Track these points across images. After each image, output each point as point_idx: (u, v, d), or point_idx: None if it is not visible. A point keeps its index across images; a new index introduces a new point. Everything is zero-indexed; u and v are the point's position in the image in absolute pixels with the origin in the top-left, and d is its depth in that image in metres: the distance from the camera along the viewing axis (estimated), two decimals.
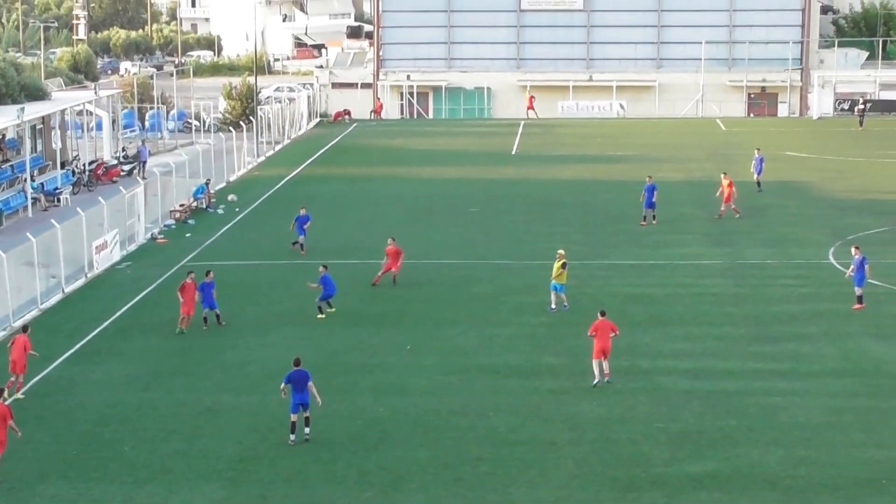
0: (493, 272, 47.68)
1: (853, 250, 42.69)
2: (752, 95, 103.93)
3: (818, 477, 27.80)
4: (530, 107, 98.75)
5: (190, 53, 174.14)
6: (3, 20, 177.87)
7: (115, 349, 38.43)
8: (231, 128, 79.91)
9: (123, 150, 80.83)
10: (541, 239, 52.58)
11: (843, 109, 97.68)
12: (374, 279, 45.27)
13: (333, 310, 41.58)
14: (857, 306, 41.42)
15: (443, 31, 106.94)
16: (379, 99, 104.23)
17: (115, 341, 39.30)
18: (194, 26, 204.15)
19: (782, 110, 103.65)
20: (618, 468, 28.45)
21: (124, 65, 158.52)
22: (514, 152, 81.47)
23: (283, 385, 30.47)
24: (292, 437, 30.21)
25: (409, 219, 58.13)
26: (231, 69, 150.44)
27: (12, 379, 33.97)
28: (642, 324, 39.99)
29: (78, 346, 38.59)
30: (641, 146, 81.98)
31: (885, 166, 72.30)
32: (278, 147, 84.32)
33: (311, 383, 30.27)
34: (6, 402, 29.08)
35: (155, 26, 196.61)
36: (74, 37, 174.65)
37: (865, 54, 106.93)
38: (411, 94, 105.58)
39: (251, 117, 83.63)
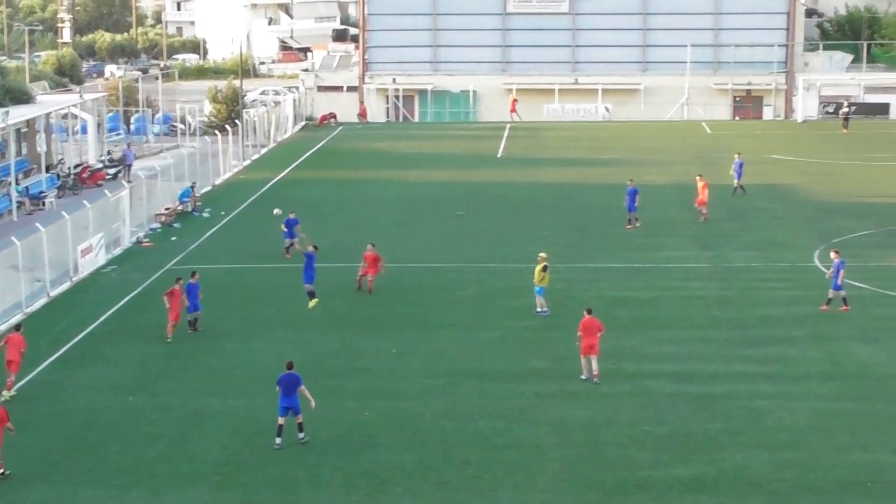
0: (479, 275, 47.67)
1: (832, 254, 42.82)
2: (738, 98, 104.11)
3: (804, 480, 27.84)
4: (513, 109, 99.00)
5: (175, 57, 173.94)
6: None
7: (101, 353, 38.33)
8: (216, 131, 79.80)
9: (109, 153, 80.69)
10: (527, 242, 52.57)
11: (827, 112, 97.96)
12: (357, 283, 45.24)
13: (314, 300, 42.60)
14: (843, 308, 41.52)
15: (428, 35, 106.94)
16: (362, 103, 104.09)
17: (100, 345, 39.20)
18: (179, 29, 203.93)
19: (767, 113, 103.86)
20: (604, 471, 28.45)
21: (109, 68, 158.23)
22: (499, 155, 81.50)
23: (277, 388, 30.51)
24: (278, 440, 30.15)
25: (395, 222, 58.11)
26: (216, 72, 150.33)
27: (11, 378, 34.20)
28: (628, 327, 40.01)
29: (63, 350, 38.48)
30: (627, 149, 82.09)
31: (869, 169, 72.48)
32: (264, 150, 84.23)
33: (303, 387, 30.25)
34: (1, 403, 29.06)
35: (140, 29, 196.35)
36: (59, 40, 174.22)
37: (850, 57, 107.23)
38: (397, 97, 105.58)
39: (237, 121, 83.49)
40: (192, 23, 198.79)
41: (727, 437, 30.53)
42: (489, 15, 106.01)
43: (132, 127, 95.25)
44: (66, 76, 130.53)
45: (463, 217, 59.39)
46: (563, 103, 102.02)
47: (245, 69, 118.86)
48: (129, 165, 74.90)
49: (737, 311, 42.06)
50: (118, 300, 44.53)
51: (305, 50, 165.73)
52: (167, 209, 59.59)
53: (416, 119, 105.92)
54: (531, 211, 60.80)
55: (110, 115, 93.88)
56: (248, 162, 79.07)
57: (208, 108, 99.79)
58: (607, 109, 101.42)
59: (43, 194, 66.00)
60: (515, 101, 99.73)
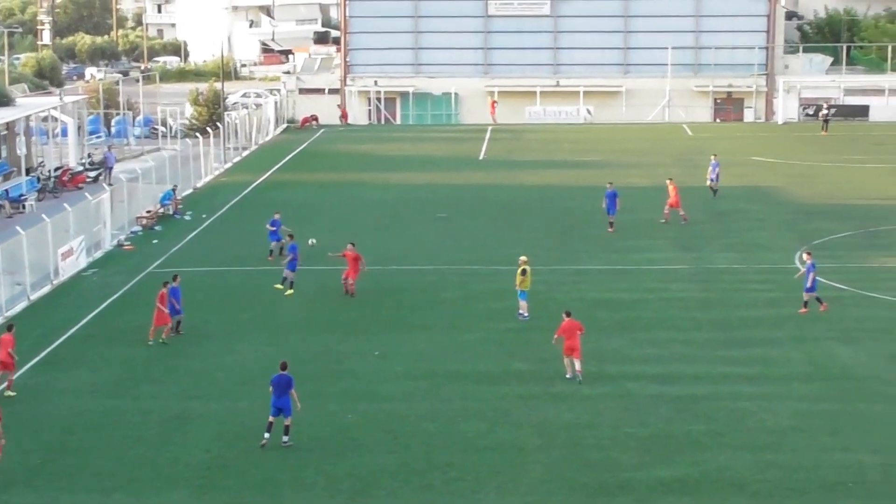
0: (461, 277, 47.68)
1: (805, 256, 42.89)
2: (719, 101, 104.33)
3: (786, 481, 27.91)
4: (493, 112, 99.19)
5: (156, 59, 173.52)
6: None
7: (82, 357, 38.21)
8: (198, 134, 79.63)
9: (89, 156, 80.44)
10: (509, 244, 52.57)
11: (808, 115, 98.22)
12: (343, 287, 45.18)
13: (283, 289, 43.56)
14: (822, 307, 41.65)
15: (410, 37, 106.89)
16: (340, 106, 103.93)
17: (81, 349, 39.08)
18: (160, 32, 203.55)
19: (748, 115, 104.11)
20: (587, 473, 28.47)
21: (90, 70, 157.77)
22: (481, 158, 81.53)
23: (270, 388, 30.54)
24: (266, 435, 30.20)
25: (377, 224, 58.08)
26: (198, 75, 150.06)
27: (11, 378, 34.35)
28: (610, 329, 40.07)
29: (43, 353, 38.33)
30: (609, 151, 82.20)
31: (849, 171, 72.72)
32: (245, 153, 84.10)
33: (292, 390, 30.28)
34: None
35: (121, 32, 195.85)
36: (39, 42, 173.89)
37: (830, 60, 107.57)
38: (379, 99, 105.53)
39: (218, 123, 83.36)
40: (173, 25, 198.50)
41: (709, 438, 30.58)
42: (471, 17, 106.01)
43: (113, 129, 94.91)
44: (45, 79, 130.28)
45: (445, 219, 59.38)
46: (545, 106, 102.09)
47: (226, 72, 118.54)
48: (110, 168, 74.70)
49: (718, 313, 42.15)
50: (99, 303, 44.40)
51: (287, 52, 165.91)
52: (148, 212, 59.43)
53: (398, 121, 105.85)
54: (513, 213, 60.83)
55: (91, 117, 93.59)
56: (229, 165, 78.93)
57: (189, 110, 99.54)
58: (589, 112, 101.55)
59: (23, 197, 65.75)
60: (495, 103, 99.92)
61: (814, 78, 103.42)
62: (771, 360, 36.87)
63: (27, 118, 74.75)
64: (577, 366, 34.95)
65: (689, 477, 28.22)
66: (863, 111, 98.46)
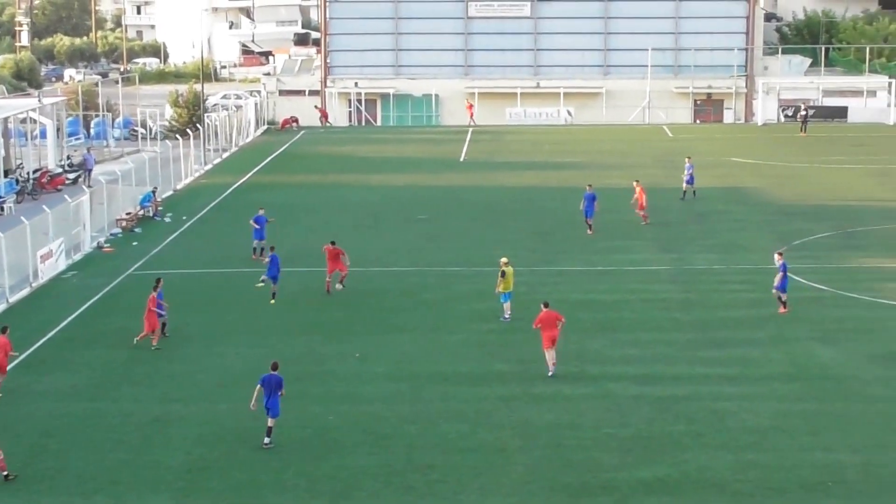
0: (442, 279, 47.69)
1: (776, 257, 42.96)
2: (698, 102, 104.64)
3: (767, 481, 27.99)
4: (470, 114, 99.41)
5: (136, 61, 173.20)
6: None
7: (61, 359, 38.08)
8: (178, 135, 79.49)
9: (68, 158, 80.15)
10: (490, 245, 52.60)
11: (787, 116, 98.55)
12: (326, 287, 45.24)
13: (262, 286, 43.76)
14: (781, 310, 41.76)
15: (390, 39, 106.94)
16: (318, 107, 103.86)
17: (61, 351, 38.95)
18: (140, 33, 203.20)
19: (728, 116, 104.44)
20: (568, 474, 28.50)
21: (69, 72, 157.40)
22: (462, 159, 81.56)
23: (258, 386, 30.51)
24: (266, 439, 30.36)
25: (358, 226, 58.03)
26: (177, 76, 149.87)
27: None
28: (591, 329, 40.13)
29: (23, 356, 38.09)
30: (589, 153, 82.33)
31: (828, 172, 72.96)
32: (226, 155, 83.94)
33: (282, 391, 30.39)
34: None
35: (100, 33, 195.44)
36: (17, 44, 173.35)
37: (808, 61, 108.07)
38: (359, 101, 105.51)
39: (198, 125, 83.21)
40: (153, 26, 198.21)
41: (690, 438, 30.65)
42: (451, 19, 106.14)
43: (92, 131, 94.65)
44: (24, 80, 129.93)
45: (426, 221, 59.39)
46: (526, 107, 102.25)
47: (206, 73, 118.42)
48: (90, 170, 74.49)
49: (699, 314, 42.24)
50: (79, 306, 44.27)
51: (267, 54, 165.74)
52: (128, 214, 59.30)
53: (379, 123, 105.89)
54: (494, 215, 60.86)
55: (70, 119, 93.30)
56: (209, 166, 78.78)
57: (169, 112, 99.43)
58: (569, 113, 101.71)
59: (2, 199, 65.48)
60: (471, 105, 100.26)
61: (793, 79, 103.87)
62: (751, 360, 36.96)
63: (5, 120, 74.46)
64: (552, 358, 35.19)
65: (670, 477, 28.27)
66: (841, 112, 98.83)
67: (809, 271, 47.54)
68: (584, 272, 48.65)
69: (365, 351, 38.27)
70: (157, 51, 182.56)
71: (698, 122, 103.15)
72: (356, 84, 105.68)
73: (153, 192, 62.02)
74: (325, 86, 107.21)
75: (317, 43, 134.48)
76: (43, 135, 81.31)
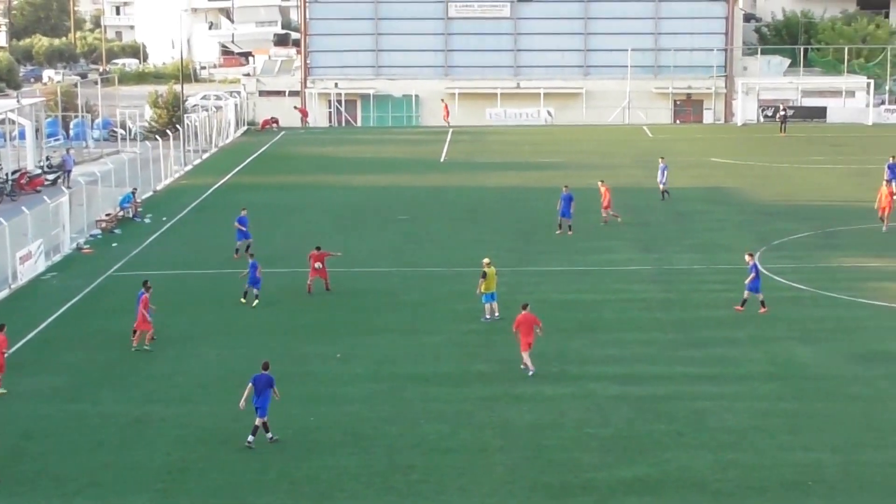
0: (422, 280, 47.68)
1: (746, 257, 43.02)
2: (678, 102, 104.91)
3: (747, 480, 28.05)
4: (447, 115, 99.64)
5: (115, 61, 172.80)
6: None
7: (41, 361, 37.95)
8: (157, 136, 79.33)
9: (48, 159, 79.92)
10: (470, 246, 52.65)
11: (767, 116, 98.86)
12: (308, 288, 45.22)
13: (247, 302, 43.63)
14: (738, 308, 41.93)
15: (370, 39, 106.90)
16: (298, 107, 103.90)
17: (40, 353, 38.82)
18: (119, 34, 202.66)
19: (707, 117, 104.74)
20: (549, 474, 28.53)
21: (47, 73, 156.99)
22: (442, 160, 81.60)
23: (249, 385, 30.62)
24: (268, 435, 30.48)
25: (338, 227, 57.99)
26: (157, 77, 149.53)
27: None
28: (572, 330, 40.16)
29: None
30: (569, 153, 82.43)
31: (808, 172, 73.21)
32: (206, 156, 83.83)
33: (273, 388, 30.53)
34: None
35: (79, 34, 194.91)
36: None
37: (788, 61, 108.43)
38: (339, 101, 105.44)
39: (178, 126, 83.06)
40: (132, 27, 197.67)
41: (671, 438, 30.71)
42: (431, 20, 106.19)
43: (71, 132, 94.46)
44: (2, 81, 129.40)
45: (406, 221, 59.39)
46: (506, 107, 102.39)
47: (186, 74, 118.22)
48: (69, 171, 74.31)
49: (679, 314, 42.33)
50: (59, 307, 44.13)
51: (247, 54, 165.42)
52: (108, 215, 59.16)
53: (359, 124, 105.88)
54: (474, 215, 60.90)
55: (49, 120, 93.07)
56: (189, 167, 78.66)
57: (149, 113, 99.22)
58: (549, 113, 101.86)
59: None
60: (447, 105, 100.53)
61: (772, 80, 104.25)
62: (731, 359, 37.05)
63: None
64: (526, 359, 35.46)
65: (650, 477, 28.32)
66: (820, 112, 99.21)
67: (789, 271, 47.71)
68: (564, 272, 48.70)
69: (346, 352, 38.25)
70: (136, 51, 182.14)
71: (678, 122, 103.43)
72: (336, 85, 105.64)
73: (133, 193, 61.88)
74: (305, 86, 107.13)
75: (297, 43, 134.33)
76: (22, 136, 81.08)
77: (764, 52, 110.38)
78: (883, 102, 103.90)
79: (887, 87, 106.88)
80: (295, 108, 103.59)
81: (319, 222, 59.01)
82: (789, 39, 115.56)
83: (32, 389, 35.17)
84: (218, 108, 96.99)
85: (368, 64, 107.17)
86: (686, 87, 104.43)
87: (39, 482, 28.52)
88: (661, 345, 38.73)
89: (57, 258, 52.12)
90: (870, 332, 39.96)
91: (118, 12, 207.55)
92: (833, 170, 73.84)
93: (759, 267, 42.62)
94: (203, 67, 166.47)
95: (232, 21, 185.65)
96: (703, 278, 47.45)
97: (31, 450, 30.57)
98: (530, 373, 35.36)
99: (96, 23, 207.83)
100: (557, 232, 54.98)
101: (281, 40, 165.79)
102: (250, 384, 30.60)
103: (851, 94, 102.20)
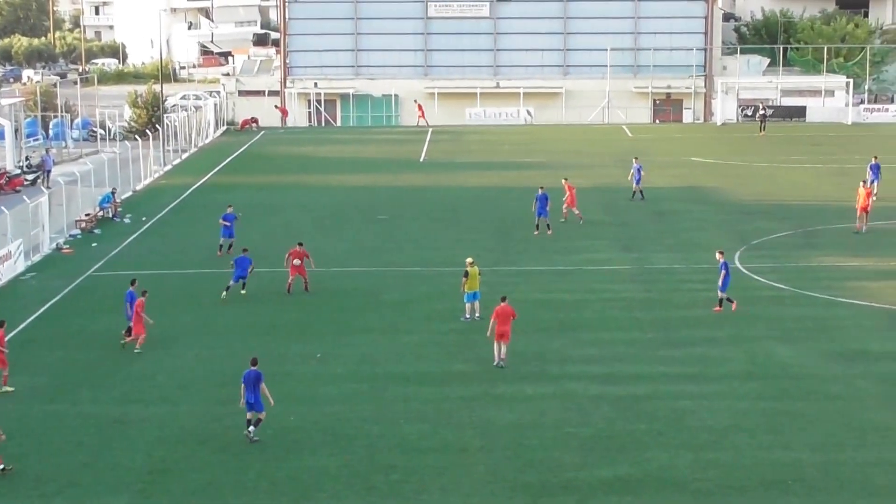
0: (402, 279, 47.66)
1: (717, 255, 43.05)
2: (658, 102, 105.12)
3: (727, 479, 28.09)
4: (421, 115, 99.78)
5: (94, 61, 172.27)
6: None
7: (21, 361, 37.68)
8: (137, 136, 79.12)
9: (27, 159, 79.62)
10: (450, 246, 52.67)
11: (746, 115, 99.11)
12: (287, 287, 45.16)
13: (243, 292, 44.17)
14: (717, 308, 41.98)
15: (350, 39, 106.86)
16: (278, 106, 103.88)
17: (20, 353, 38.56)
18: (98, 34, 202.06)
19: (687, 116, 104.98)
20: (529, 473, 28.53)
21: (27, 73, 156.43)
22: (422, 159, 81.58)
23: (241, 385, 30.78)
24: (250, 429, 30.48)
25: (318, 226, 57.93)
26: (136, 77, 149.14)
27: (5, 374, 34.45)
28: (552, 329, 40.18)
29: None
30: (549, 152, 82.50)
31: (787, 171, 73.40)
32: (185, 155, 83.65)
33: (262, 384, 30.51)
34: None
35: (58, 34, 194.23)
36: None
37: (767, 61, 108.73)
38: (319, 101, 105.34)
39: (157, 125, 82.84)
40: (111, 27, 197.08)
41: (651, 437, 30.74)
42: (410, 19, 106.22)
43: (51, 132, 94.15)
44: None
45: (386, 221, 59.34)
46: (485, 107, 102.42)
47: (165, 74, 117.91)
48: (49, 171, 74.04)
49: (659, 313, 42.38)
50: (38, 307, 43.97)
51: (226, 54, 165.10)
52: (87, 215, 58.99)
53: (339, 123, 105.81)
54: (454, 215, 60.89)
55: (28, 120, 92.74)
56: (169, 167, 78.49)
57: (128, 113, 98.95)
58: (529, 113, 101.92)
59: None
60: (420, 106, 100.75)
61: (751, 79, 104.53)
62: (711, 359, 37.11)
63: None
64: (503, 352, 35.64)
65: (630, 476, 28.35)
66: (800, 112, 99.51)
67: (768, 270, 47.83)
68: (544, 272, 48.73)
69: (326, 351, 38.21)
70: (115, 51, 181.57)
71: (658, 121, 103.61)
72: (316, 84, 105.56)
73: (112, 193, 61.71)
74: (285, 86, 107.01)
75: (276, 43, 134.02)
76: (1, 136, 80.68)
77: (743, 52, 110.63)
78: (862, 102, 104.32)
79: (866, 87, 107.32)
80: (276, 107, 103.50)
81: (299, 222, 58.93)
82: (768, 39, 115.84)
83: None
84: (197, 107, 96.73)
85: (348, 64, 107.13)
86: (665, 86, 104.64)
87: (18, 482, 28.39)
88: (642, 344, 38.77)
89: (36, 258, 51.94)
90: (849, 331, 40.07)
91: (97, 12, 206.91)
92: (812, 169, 74.08)
93: (729, 266, 42.53)
94: (182, 67, 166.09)
95: (211, 21, 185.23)
96: (682, 278, 47.52)
97: (10, 450, 30.36)
98: (495, 363, 35.48)
99: (75, 23, 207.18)
100: (535, 233, 54.95)
101: (260, 40, 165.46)
102: (242, 383, 30.64)
103: (831, 93, 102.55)
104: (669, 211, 60.68)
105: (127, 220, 60.30)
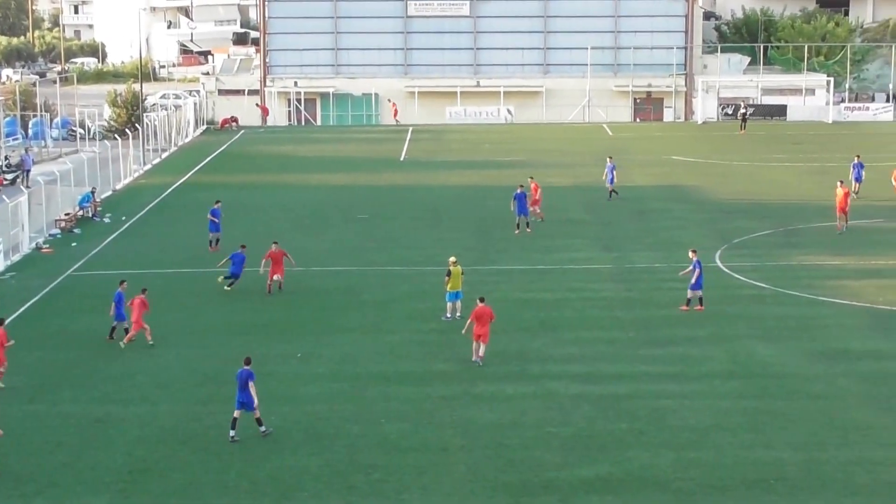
0: (383, 279, 47.59)
1: (690, 253, 43.03)
2: (638, 100, 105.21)
3: (708, 478, 28.09)
4: (395, 115, 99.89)
5: (74, 60, 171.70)
6: None
7: None
8: (117, 135, 78.89)
9: (6, 158, 79.29)
10: (430, 245, 52.63)
11: (727, 114, 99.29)
12: (267, 288, 45.02)
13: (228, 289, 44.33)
14: (683, 307, 42.04)
15: (330, 38, 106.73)
16: (258, 104, 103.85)
17: None
18: (77, 33, 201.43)
19: (668, 115, 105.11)
20: (510, 473, 28.49)
21: (6, 72, 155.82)
22: (402, 158, 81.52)
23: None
24: (231, 432, 30.41)
25: (298, 226, 57.84)
26: (116, 76, 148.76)
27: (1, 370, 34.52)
28: (533, 328, 40.16)
29: None
30: (529, 151, 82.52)
31: (768, 170, 73.55)
32: (165, 155, 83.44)
33: (251, 383, 30.56)
34: None
35: (37, 33, 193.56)
36: None
37: (747, 59, 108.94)
38: (299, 100, 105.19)
39: (137, 125, 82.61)
40: (91, 26, 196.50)
41: (632, 437, 30.73)
42: (390, 18, 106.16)
43: (30, 131, 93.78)
44: None
45: (366, 220, 59.27)
46: (466, 106, 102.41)
47: (145, 73, 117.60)
48: (28, 171, 73.72)
49: (640, 312, 42.39)
50: (18, 307, 43.76)
51: (206, 53, 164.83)
52: (67, 215, 58.78)
53: (319, 122, 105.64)
54: (434, 214, 60.85)
55: (7, 119, 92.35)
56: (149, 166, 78.29)
57: (108, 112, 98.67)
58: (510, 112, 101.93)
59: None
60: (395, 104, 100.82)
61: (732, 78, 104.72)
62: (692, 358, 37.13)
63: None
64: (482, 351, 35.80)
65: (612, 476, 28.33)
66: (780, 111, 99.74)
67: (749, 269, 47.90)
68: (525, 271, 48.71)
69: (307, 351, 38.14)
70: (95, 50, 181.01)
71: (638, 120, 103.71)
72: (296, 83, 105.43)
73: (92, 192, 61.53)
74: (265, 85, 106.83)
75: (256, 42, 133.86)
76: None
77: (724, 50, 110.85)
78: (843, 100, 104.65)
79: (847, 85, 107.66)
80: (257, 104, 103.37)
81: (279, 221, 58.83)
82: (749, 37, 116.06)
83: None
84: (177, 107, 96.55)
85: (328, 62, 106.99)
86: (646, 85, 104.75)
87: None
88: (622, 343, 38.77)
89: (16, 258, 51.74)
90: (830, 330, 40.14)
91: (77, 11, 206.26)
92: (793, 168, 74.24)
93: (702, 264, 42.51)
94: (162, 66, 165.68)
95: (191, 20, 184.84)
96: (663, 277, 47.51)
97: None
98: (474, 358, 35.69)
99: (55, 22, 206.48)
100: (516, 232, 54.92)
101: (240, 39, 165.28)
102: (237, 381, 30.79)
103: (811, 91, 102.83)
104: (650, 210, 60.73)
105: (107, 220, 60.12)
